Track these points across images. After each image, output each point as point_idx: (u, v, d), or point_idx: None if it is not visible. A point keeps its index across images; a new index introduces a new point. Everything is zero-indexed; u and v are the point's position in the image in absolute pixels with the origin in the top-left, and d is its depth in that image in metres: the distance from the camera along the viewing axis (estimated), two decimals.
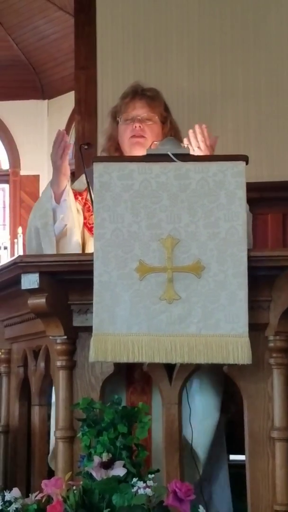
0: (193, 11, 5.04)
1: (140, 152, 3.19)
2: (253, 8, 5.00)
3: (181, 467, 2.55)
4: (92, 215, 3.17)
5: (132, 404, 2.36)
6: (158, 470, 2.35)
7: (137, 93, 3.30)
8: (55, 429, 2.61)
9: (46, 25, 9.35)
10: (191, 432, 2.69)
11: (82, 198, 3.27)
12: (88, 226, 3.23)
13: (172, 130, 3.29)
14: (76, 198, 3.25)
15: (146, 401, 2.66)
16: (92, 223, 3.18)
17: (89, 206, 3.25)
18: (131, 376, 2.76)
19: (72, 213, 3.14)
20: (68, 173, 3.14)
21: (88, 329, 2.47)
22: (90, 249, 3.16)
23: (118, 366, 2.59)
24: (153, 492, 2.14)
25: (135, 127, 3.22)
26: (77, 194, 3.27)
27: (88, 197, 3.22)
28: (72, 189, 3.26)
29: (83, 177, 3.33)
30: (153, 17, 5.08)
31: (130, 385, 2.76)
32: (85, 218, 3.26)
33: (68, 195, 3.14)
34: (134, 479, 2.18)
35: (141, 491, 2.14)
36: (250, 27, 5.00)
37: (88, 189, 3.15)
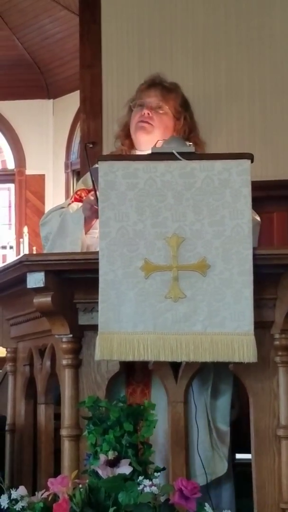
0: (198, 10, 5.04)
1: (144, 137, 3.20)
2: (258, 7, 5.00)
3: (187, 466, 2.55)
4: None
5: (128, 407, 2.36)
6: (164, 468, 2.36)
7: (154, 82, 3.28)
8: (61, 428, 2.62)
9: (51, 25, 9.35)
10: (197, 430, 2.70)
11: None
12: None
13: (185, 127, 3.25)
14: (81, 199, 3.24)
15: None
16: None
17: None
18: (130, 377, 2.75)
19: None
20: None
21: (94, 328, 2.47)
22: None
23: (124, 365, 2.60)
24: (159, 490, 2.15)
25: (144, 113, 3.20)
26: (87, 191, 3.26)
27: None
28: (82, 189, 3.26)
29: (88, 175, 3.33)
30: (158, 16, 5.08)
31: (129, 386, 2.75)
32: None
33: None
34: (140, 477, 2.19)
35: (147, 489, 2.14)
36: (255, 27, 5.00)
37: (93, 188, 3.14)
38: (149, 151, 3.13)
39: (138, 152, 3.23)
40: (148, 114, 3.20)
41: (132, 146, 3.29)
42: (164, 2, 5.08)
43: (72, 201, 3.25)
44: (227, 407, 2.83)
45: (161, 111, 3.22)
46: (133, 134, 3.26)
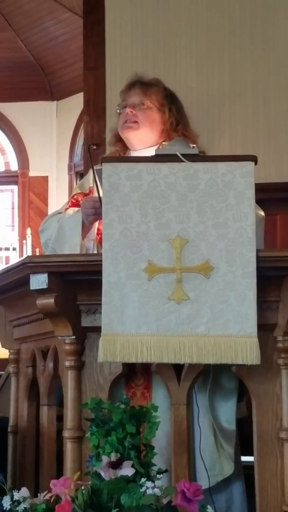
0: (202, 12, 5.04)
1: (133, 137, 3.22)
2: (262, 9, 4.99)
3: (189, 468, 2.55)
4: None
5: (131, 409, 2.36)
6: (166, 470, 2.35)
7: (132, 82, 3.30)
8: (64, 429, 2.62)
9: (55, 27, 9.37)
10: (200, 433, 2.69)
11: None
12: None
13: (172, 119, 3.24)
14: (78, 204, 3.24)
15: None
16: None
17: None
18: (130, 380, 2.75)
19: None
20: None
21: (97, 329, 2.47)
22: None
23: (127, 367, 2.60)
24: (161, 492, 2.14)
25: (127, 112, 3.21)
26: (83, 195, 3.27)
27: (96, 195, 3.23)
28: (79, 193, 3.27)
29: (89, 176, 3.33)
30: (162, 18, 5.08)
31: (129, 389, 2.75)
32: None
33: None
34: (143, 479, 2.18)
35: (149, 491, 2.14)
36: (259, 28, 5.00)
37: (97, 189, 3.14)
38: (142, 149, 3.16)
39: (133, 153, 3.24)
40: (131, 112, 3.20)
41: (125, 148, 3.29)
42: (168, 5, 5.08)
43: (69, 206, 3.25)
44: (232, 407, 2.82)
45: (144, 107, 3.22)
46: (122, 136, 3.27)
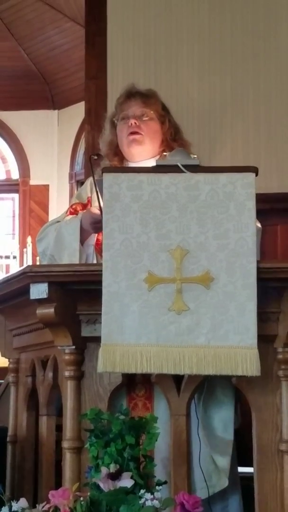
0: (204, 21, 5.05)
1: (139, 150, 3.22)
2: (263, 18, 5.00)
3: (188, 479, 2.54)
4: None
5: (130, 419, 2.35)
6: (165, 482, 2.34)
7: (131, 93, 3.30)
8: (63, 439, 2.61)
9: (57, 36, 9.39)
10: (199, 444, 2.68)
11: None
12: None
13: (171, 129, 3.27)
14: (77, 213, 3.25)
15: None
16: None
17: None
18: (131, 391, 2.74)
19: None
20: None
21: (97, 340, 2.47)
22: None
23: (127, 377, 2.59)
24: (160, 504, 2.13)
25: (131, 124, 3.20)
26: (82, 205, 3.27)
27: (92, 203, 3.24)
28: (77, 203, 3.27)
29: (86, 186, 3.34)
30: (164, 28, 5.09)
31: (131, 400, 2.74)
32: None
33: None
34: (142, 491, 2.18)
35: (148, 503, 2.13)
36: (260, 37, 5.01)
37: (97, 199, 3.14)
38: (142, 162, 3.16)
39: (131, 164, 3.25)
40: (135, 123, 3.21)
41: (121, 162, 3.29)
42: (169, 14, 5.09)
43: (67, 215, 3.26)
44: (228, 415, 2.80)
45: (146, 118, 3.23)
46: (124, 148, 3.26)
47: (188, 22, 5.07)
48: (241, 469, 3.09)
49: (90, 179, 3.30)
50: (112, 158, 3.30)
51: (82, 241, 3.12)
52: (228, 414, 2.80)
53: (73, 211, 3.26)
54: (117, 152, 3.29)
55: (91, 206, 3.24)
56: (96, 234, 3.13)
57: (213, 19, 5.04)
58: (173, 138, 3.24)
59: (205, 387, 2.74)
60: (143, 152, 3.21)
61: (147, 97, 3.27)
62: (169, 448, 2.58)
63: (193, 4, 5.04)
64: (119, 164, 3.28)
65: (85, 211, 3.19)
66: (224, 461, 2.72)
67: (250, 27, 5.01)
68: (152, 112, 3.24)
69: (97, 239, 3.13)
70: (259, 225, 3.05)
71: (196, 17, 5.05)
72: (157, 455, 2.61)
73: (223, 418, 2.78)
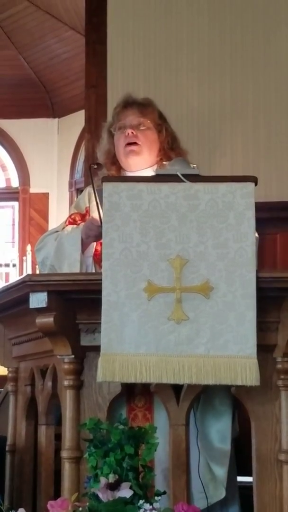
0: (203, 30, 5.05)
1: (136, 160, 3.22)
2: (263, 27, 5.01)
3: (187, 489, 2.53)
4: None
5: (129, 429, 2.34)
6: (164, 492, 2.34)
7: (128, 102, 3.29)
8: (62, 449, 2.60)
9: (57, 45, 9.42)
10: (198, 454, 2.68)
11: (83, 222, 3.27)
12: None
13: (168, 138, 3.26)
14: (76, 223, 3.25)
15: None
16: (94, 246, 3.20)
17: None
18: (131, 401, 2.73)
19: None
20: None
21: (96, 349, 2.47)
22: None
23: (126, 387, 2.59)
24: None
25: (128, 133, 3.20)
26: (80, 215, 3.28)
27: (90, 213, 3.24)
28: (76, 213, 3.27)
29: (84, 196, 3.34)
30: (164, 37, 5.10)
31: (131, 411, 2.73)
32: None
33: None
34: (141, 501, 2.17)
35: None
36: (260, 46, 5.01)
37: (97, 209, 3.15)
38: (140, 171, 3.16)
39: (128, 174, 3.25)
40: (132, 133, 3.20)
41: (119, 170, 3.29)
42: (169, 23, 5.10)
43: (66, 225, 3.26)
44: (225, 426, 2.80)
45: (143, 128, 3.23)
46: (122, 158, 3.26)
47: (187, 30, 5.08)
48: (240, 479, 3.09)
49: (88, 189, 3.30)
50: (110, 167, 3.29)
51: (82, 252, 3.12)
52: (225, 424, 2.79)
53: (72, 221, 3.26)
54: (114, 161, 3.29)
55: (89, 216, 3.24)
56: (95, 245, 3.13)
57: (212, 27, 5.05)
58: (170, 147, 3.25)
59: (201, 398, 2.73)
60: (141, 162, 3.22)
61: (144, 107, 3.27)
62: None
63: (193, 12, 5.05)
64: (117, 173, 3.28)
65: (85, 222, 3.18)
66: (221, 471, 2.72)
67: (249, 36, 5.01)
68: (149, 121, 3.24)
69: (96, 250, 3.13)
70: (256, 234, 3.05)
71: (196, 26, 5.06)
72: (158, 466, 2.60)
73: (220, 429, 2.78)
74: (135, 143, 3.21)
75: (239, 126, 4.99)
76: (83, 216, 3.27)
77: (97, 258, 3.11)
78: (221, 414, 2.80)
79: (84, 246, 3.12)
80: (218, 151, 4.95)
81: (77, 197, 9.87)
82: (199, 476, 2.67)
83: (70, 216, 3.30)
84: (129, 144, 3.21)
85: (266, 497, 2.50)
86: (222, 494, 2.70)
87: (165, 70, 5.08)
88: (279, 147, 4.96)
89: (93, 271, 3.12)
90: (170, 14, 5.08)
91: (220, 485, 2.69)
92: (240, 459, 2.93)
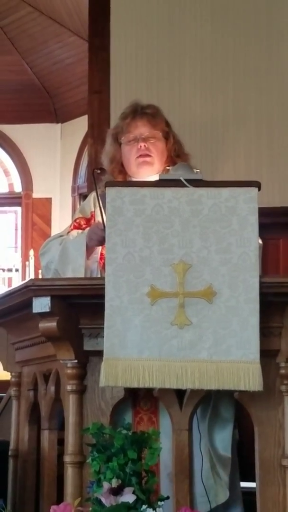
0: (207, 37, 5.07)
1: (148, 171, 3.22)
2: (266, 34, 5.02)
3: (191, 494, 2.53)
4: None
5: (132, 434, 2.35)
6: (167, 497, 2.34)
7: (137, 112, 3.28)
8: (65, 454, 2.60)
9: (60, 50, 9.43)
10: (201, 459, 2.68)
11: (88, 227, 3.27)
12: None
13: (175, 145, 3.27)
14: (81, 227, 3.25)
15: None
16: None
17: None
18: (137, 405, 2.73)
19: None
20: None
21: (99, 354, 2.47)
22: None
23: (129, 391, 2.59)
24: None
25: (140, 146, 3.20)
26: (86, 219, 3.28)
27: (95, 218, 3.25)
28: (81, 217, 3.28)
29: (89, 201, 3.34)
30: (167, 43, 5.11)
31: (136, 415, 2.73)
32: None
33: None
34: (144, 506, 2.17)
35: None
36: (263, 54, 5.02)
37: (101, 213, 3.15)
38: (146, 179, 3.16)
39: (134, 179, 3.25)
40: (145, 145, 3.20)
41: (125, 178, 3.29)
42: (173, 29, 5.11)
43: (71, 229, 3.26)
44: (228, 435, 2.81)
45: (153, 140, 3.23)
46: (132, 168, 3.25)
47: (191, 37, 5.09)
48: (243, 484, 3.08)
49: (94, 193, 3.30)
50: (117, 175, 3.29)
51: (87, 257, 3.12)
52: (229, 432, 2.80)
53: (77, 225, 3.26)
54: (121, 170, 3.29)
55: (94, 220, 3.24)
56: (101, 249, 3.13)
57: (215, 34, 5.06)
58: (176, 154, 3.26)
59: (211, 405, 2.74)
60: (152, 172, 3.22)
61: (153, 117, 3.26)
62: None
63: (196, 19, 5.06)
64: (123, 180, 3.28)
65: (90, 226, 3.18)
66: (224, 476, 2.72)
67: (252, 43, 5.02)
68: (159, 132, 3.24)
69: (101, 254, 3.13)
70: (260, 241, 3.05)
71: (199, 32, 5.07)
72: (164, 471, 2.61)
73: (224, 436, 2.78)
74: (148, 155, 3.21)
75: (241, 133, 5.00)
76: (88, 221, 3.27)
77: (103, 263, 3.11)
78: (225, 423, 2.80)
79: (89, 251, 3.12)
80: (220, 157, 4.95)
81: (80, 202, 9.89)
82: (202, 480, 2.67)
83: (75, 221, 3.30)
84: (142, 155, 3.21)
85: (269, 503, 2.49)
86: (226, 496, 2.70)
87: (168, 77, 5.09)
88: (282, 153, 4.97)
89: (98, 275, 3.12)
90: (173, 21, 5.10)
91: (221, 490, 2.69)
92: (243, 464, 2.93)
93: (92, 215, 3.28)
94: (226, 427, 2.80)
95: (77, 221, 3.28)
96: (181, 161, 3.12)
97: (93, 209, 3.29)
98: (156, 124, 3.25)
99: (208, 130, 4.97)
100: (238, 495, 2.89)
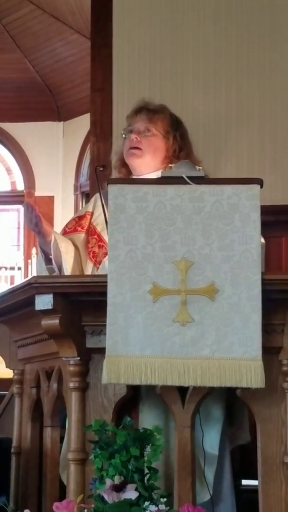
0: (209, 36, 5.06)
1: (135, 162, 3.25)
2: (269, 32, 5.01)
3: (193, 491, 2.53)
4: (93, 239, 3.24)
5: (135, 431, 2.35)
6: (170, 494, 2.34)
7: (140, 107, 3.33)
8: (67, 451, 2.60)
9: (62, 48, 9.44)
10: (204, 455, 2.68)
11: (82, 227, 3.28)
12: (89, 249, 3.24)
13: (175, 146, 3.27)
14: (76, 230, 3.27)
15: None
16: (91, 247, 3.22)
17: (92, 230, 3.27)
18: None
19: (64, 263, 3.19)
20: (50, 230, 3.19)
21: (101, 351, 2.47)
22: (87, 273, 3.21)
23: (131, 389, 2.59)
24: None
25: (132, 139, 3.24)
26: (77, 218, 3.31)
27: (94, 219, 3.28)
28: (72, 219, 3.31)
29: (90, 201, 3.37)
30: (169, 41, 5.10)
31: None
32: (88, 241, 3.27)
33: (57, 247, 3.17)
34: (146, 503, 2.17)
35: None
36: (266, 52, 5.01)
37: (103, 211, 3.16)
38: (144, 175, 3.18)
39: (135, 177, 3.27)
40: (136, 138, 3.24)
41: (129, 173, 3.32)
42: (175, 27, 5.11)
43: (62, 234, 3.33)
44: (217, 434, 2.79)
45: (148, 134, 3.25)
46: (126, 161, 3.30)
47: (193, 34, 5.08)
48: (245, 482, 3.09)
49: (96, 195, 3.33)
50: (120, 169, 3.35)
51: (46, 241, 3.15)
52: (216, 431, 2.78)
53: (64, 231, 3.31)
54: (125, 163, 3.34)
55: (87, 220, 3.28)
56: (93, 246, 3.17)
57: (218, 32, 5.05)
58: (176, 155, 3.25)
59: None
60: (141, 165, 3.24)
61: (154, 113, 3.29)
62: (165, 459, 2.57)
63: (199, 17, 5.05)
64: (126, 175, 3.31)
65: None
66: (208, 475, 2.71)
67: (255, 41, 5.01)
68: (155, 128, 3.26)
69: (93, 252, 3.17)
70: (262, 240, 3.05)
71: (202, 30, 5.06)
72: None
73: (212, 435, 2.77)
74: (137, 148, 3.23)
75: (244, 131, 4.99)
76: (80, 218, 3.31)
77: (95, 260, 3.16)
78: (215, 421, 2.79)
79: (47, 250, 3.17)
80: (223, 155, 4.95)
81: (82, 200, 9.92)
82: (204, 477, 2.67)
83: (66, 226, 3.35)
84: (132, 148, 3.24)
85: (272, 500, 2.50)
86: (206, 496, 2.69)
87: (170, 75, 5.08)
88: (284, 151, 4.96)
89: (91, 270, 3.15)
90: (175, 18, 5.09)
91: (204, 486, 2.68)
92: (245, 462, 2.93)
93: (85, 215, 3.30)
94: (214, 425, 2.79)
95: (69, 226, 3.32)
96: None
97: (91, 210, 3.32)
98: (156, 120, 3.27)
99: (211, 128, 4.96)
100: (229, 491, 2.88)
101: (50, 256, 3.17)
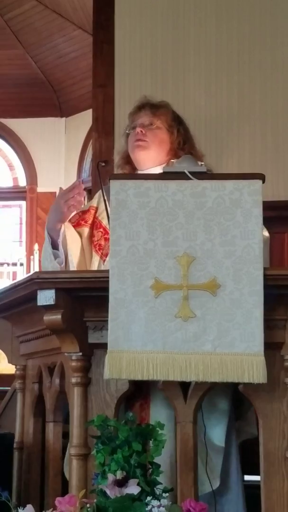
0: (211, 32, 5.06)
1: (142, 155, 3.27)
2: (270, 29, 5.01)
3: (195, 486, 2.53)
4: (99, 232, 3.24)
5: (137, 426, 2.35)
6: (172, 489, 2.34)
7: (142, 103, 3.37)
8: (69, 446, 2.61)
9: (64, 44, 9.44)
10: (206, 450, 2.68)
11: (85, 222, 3.28)
12: (94, 243, 3.25)
13: (179, 139, 3.30)
14: (79, 224, 3.26)
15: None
16: (97, 241, 3.22)
17: (98, 224, 3.27)
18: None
19: (70, 250, 3.17)
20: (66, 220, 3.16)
21: (103, 346, 2.47)
22: (93, 266, 3.21)
23: (133, 384, 2.59)
24: (167, 511, 2.13)
25: (137, 132, 3.27)
26: (81, 218, 3.30)
27: (98, 214, 3.28)
28: (76, 213, 3.30)
29: (94, 197, 3.37)
30: (171, 37, 5.10)
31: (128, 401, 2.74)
32: (93, 236, 3.27)
33: (65, 235, 3.16)
34: (148, 498, 2.17)
35: (155, 510, 2.13)
36: (267, 48, 5.01)
37: (105, 206, 3.16)
38: (150, 170, 3.19)
39: (140, 172, 3.28)
40: (141, 131, 3.26)
41: (133, 170, 3.34)
42: (177, 24, 5.10)
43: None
44: (223, 425, 2.80)
45: (153, 127, 3.29)
46: (131, 155, 3.32)
47: (195, 30, 5.08)
48: (247, 477, 3.09)
49: (99, 191, 3.33)
50: (124, 166, 3.37)
51: (56, 238, 3.12)
52: (223, 424, 2.79)
53: (71, 224, 3.30)
54: (128, 161, 3.36)
55: (91, 214, 3.28)
56: (100, 239, 3.16)
57: (220, 28, 5.05)
58: (181, 147, 3.28)
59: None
60: (148, 158, 3.26)
61: (157, 108, 3.34)
62: (169, 453, 2.57)
63: (200, 13, 5.05)
64: (131, 172, 3.32)
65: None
66: (216, 466, 2.72)
67: (257, 37, 5.01)
68: (159, 121, 3.30)
69: (99, 244, 3.17)
70: (267, 234, 3.06)
71: (204, 26, 5.06)
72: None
73: (219, 427, 2.78)
74: (142, 140, 3.25)
75: (246, 127, 4.99)
76: (84, 213, 3.31)
77: (101, 253, 3.17)
78: (221, 414, 2.80)
79: (54, 236, 3.12)
80: (225, 152, 4.95)
81: (84, 196, 9.90)
82: (207, 472, 2.67)
83: (69, 220, 3.34)
84: (137, 140, 3.26)
85: (274, 495, 2.50)
86: (216, 483, 2.70)
87: (172, 70, 5.08)
88: (286, 148, 4.96)
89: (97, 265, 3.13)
90: (177, 14, 5.09)
91: (207, 478, 2.69)
92: (247, 458, 2.93)
93: (90, 209, 3.30)
94: (221, 419, 2.79)
95: (71, 219, 3.31)
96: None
97: (94, 204, 3.33)
98: (159, 114, 3.31)
99: (212, 125, 4.96)
100: (236, 485, 2.89)
101: (59, 241, 3.15)
